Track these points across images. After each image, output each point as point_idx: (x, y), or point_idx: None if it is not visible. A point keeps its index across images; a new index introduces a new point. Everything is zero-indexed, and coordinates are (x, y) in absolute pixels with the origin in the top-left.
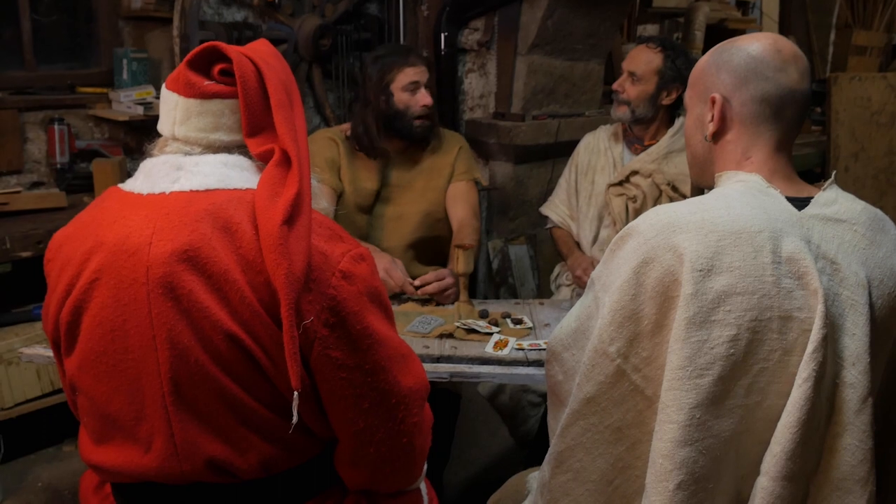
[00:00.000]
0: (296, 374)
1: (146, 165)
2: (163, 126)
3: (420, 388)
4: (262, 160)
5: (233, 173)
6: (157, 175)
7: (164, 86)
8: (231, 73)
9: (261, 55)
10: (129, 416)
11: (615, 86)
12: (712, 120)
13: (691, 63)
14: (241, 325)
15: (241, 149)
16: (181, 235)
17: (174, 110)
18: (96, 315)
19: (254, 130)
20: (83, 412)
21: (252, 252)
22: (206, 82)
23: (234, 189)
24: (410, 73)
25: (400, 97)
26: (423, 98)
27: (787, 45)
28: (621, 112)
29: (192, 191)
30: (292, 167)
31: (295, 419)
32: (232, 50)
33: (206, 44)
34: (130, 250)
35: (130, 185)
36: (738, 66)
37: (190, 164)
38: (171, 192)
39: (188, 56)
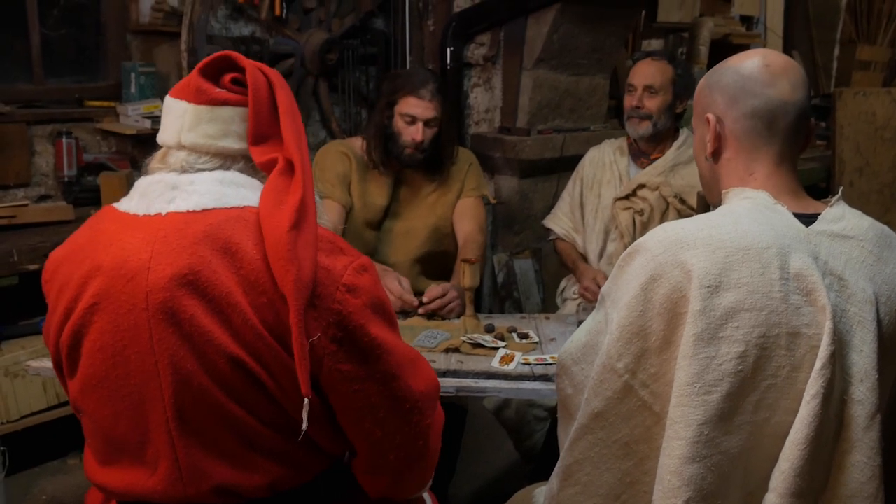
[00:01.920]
0: (306, 381)
1: (141, 184)
2: (166, 136)
3: (432, 391)
4: (265, 169)
5: (229, 191)
6: (152, 195)
7: (167, 96)
8: (241, 83)
9: (269, 70)
10: (133, 440)
11: (634, 102)
12: (710, 140)
13: (688, 72)
14: (245, 347)
15: (245, 159)
16: (180, 259)
17: (182, 118)
18: (96, 340)
19: (259, 139)
20: (88, 433)
21: (254, 273)
22: (217, 89)
23: (232, 207)
24: (412, 105)
25: (397, 121)
26: (416, 133)
27: (778, 60)
28: (644, 128)
29: (188, 211)
30: (296, 175)
31: (305, 426)
32: (245, 60)
33: (218, 53)
34: (129, 275)
35: (126, 206)
36: (728, 85)
37: (185, 182)
38: (167, 213)
39: (199, 64)
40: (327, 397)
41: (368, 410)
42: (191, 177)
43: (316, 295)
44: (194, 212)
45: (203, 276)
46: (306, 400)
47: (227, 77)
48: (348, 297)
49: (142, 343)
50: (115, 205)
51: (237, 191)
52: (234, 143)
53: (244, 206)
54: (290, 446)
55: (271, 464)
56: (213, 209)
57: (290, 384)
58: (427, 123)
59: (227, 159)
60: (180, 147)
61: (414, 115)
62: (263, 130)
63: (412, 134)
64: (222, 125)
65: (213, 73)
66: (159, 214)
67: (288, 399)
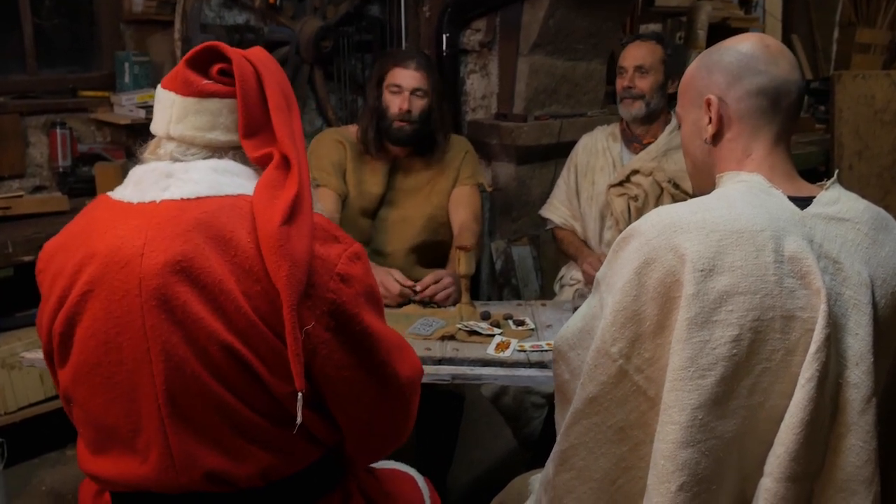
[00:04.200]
0: (300, 374)
1: (136, 173)
2: (157, 126)
3: (416, 376)
4: (259, 164)
5: (224, 179)
6: (147, 183)
7: (159, 86)
8: (229, 74)
9: (259, 59)
10: (125, 428)
11: (626, 83)
12: (710, 122)
13: (678, 51)
14: (238, 335)
15: (235, 150)
16: (173, 246)
17: (170, 109)
18: (89, 327)
19: (250, 131)
20: (79, 422)
21: (248, 261)
22: (205, 81)
23: (226, 196)
24: (397, 74)
25: (386, 96)
26: (402, 102)
27: (774, 41)
28: (636, 108)
29: (182, 199)
30: (292, 169)
31: (300, 420)
32: (231, 51)
33: (205, 43)
34: (122, 262)
35: (120, 194)
36: (730, 63)
37: (180, 171)
38: (161, 201)
39: (187, 55)
40: (318, 384)
41: (357, 396)
42: (185, 165)
43: (311, 284)
44: (188, 199)
45: (196, 264)
46: (300, 394)
47: (215, 68)
48: (342, 286)
49: (135, 329)
50: (109, 193)
51: (232, 179)
52: (223, 136)
53: (238, 195)
54: (281, 435)
55: (262, 452)
56: (208, 197)
57: (282, 373)
58: (413, 93)
59: (216, 151)
60: (170, 138)
61: (399, 84)
62: (254, 122)
63: (399, 104)
64: (210, 117)
65: (201, 64)
66: (153, 202)
67: (280, 388)
